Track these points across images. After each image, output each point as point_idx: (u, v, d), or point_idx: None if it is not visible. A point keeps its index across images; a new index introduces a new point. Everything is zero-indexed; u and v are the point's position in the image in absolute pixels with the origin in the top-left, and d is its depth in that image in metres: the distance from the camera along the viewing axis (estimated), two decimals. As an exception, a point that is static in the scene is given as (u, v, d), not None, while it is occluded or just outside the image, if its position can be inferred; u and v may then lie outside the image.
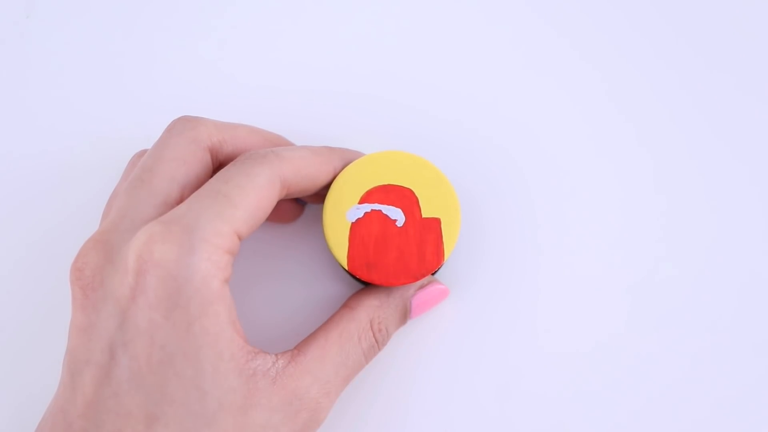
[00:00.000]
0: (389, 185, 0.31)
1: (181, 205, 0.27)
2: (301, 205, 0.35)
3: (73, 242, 0.29)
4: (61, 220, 0.35)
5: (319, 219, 0.32)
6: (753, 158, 0.36)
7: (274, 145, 0.32)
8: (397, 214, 0.31)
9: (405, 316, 0.33)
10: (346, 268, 0.31)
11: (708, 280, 0.35)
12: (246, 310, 0.34)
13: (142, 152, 0.32)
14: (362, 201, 0.31)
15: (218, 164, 0.31)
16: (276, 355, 0.28)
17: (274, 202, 0.29)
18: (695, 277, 0.35)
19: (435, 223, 0.31)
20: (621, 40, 0.38)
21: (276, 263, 0.35)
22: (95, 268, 0.27)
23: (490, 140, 0.37)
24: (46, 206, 0.35)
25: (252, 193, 0.28)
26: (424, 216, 0.31)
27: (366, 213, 0.31)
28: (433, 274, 0.32)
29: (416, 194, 0.31)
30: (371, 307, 0.31)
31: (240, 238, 0.28)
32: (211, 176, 0.29)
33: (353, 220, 0.31)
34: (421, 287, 0.33)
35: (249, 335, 0.33)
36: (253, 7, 0.38)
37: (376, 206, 0.31)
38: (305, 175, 0.30)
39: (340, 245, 0.31)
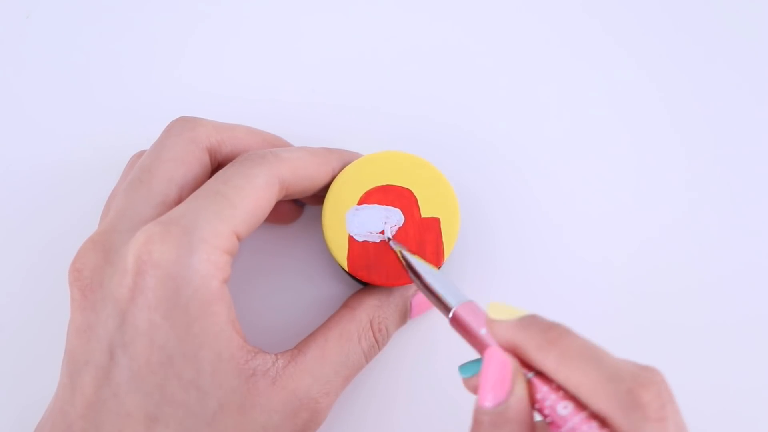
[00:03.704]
0: (388, 185, 0.31)
1: (179, 205, 0.27)
2: (299, 207, 0.35)
3: (72, 243, 0.29)
4: (60, 221, 0.35)
5: (318, 220, 0.32)
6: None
7: (272, 145, 0.32)
8: (396, 215, 0.31)
9: (405, 316, 0.33)
10: (346, 269, 0.31)
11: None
12: (246, 310, 0.34)
13: (141, 153, 0.32)
14: (361, 202, 0.31)
15: (217, 165, 0.31)
16: (276, 354, 0.28)
17: (272, 203, 0.29)
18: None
19: (434, 223, 0.31)
20: (613, 36, 0.38)
21: (276, 264, 0.35)
22: (94, 269, 0.27)
23: (487, 139, 0.36)
24: (46, 207, 0.35)
25: (251, 194, 0.28)
26: (423, 216, 0.31)
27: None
28: (432, 273, 0.32)
29: (415, 194, 0.31)
30: (371, 307, 0.31)
31: (239, 239, 0.28)
32: (210, 177, 0.29)
33: (352, 221, 0.31)
34: None
35: (249, 335, 0.32)
36: (253, 10, 0.38)
37: (375, 207, 0.31)
38: (304, 176, 0.30)
39: (339, 246, 0.31)
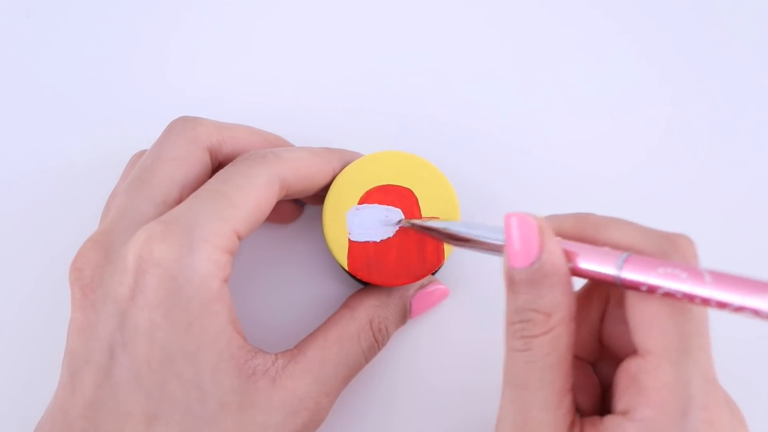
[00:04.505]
0: (388, 185, 0.31)
1: (180, 204, 0.27)
2: (300, 206, 0.35)
3: (72, 242, 0.29)
4: (60, 220, 0.35)
5: (318, 220, 0.32)
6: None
7: (272, 145, 0.32)
8: (396, 214, 0.31)
9: (405, 316, 0.33)
10: (347, 269, 0.31)
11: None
12: (246, 310, 0.34)
13: (142, 152, 0.32)
14: (362, 201, 0.31)
15: (217, 164, 0.31)
16: (276, 354, 0.28)
17: (273, 203, 0.29)
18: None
19: (435, 223, 0.31)
20: (616, 36, 0.38)
21: (276, 263, 0.35)
22: (95, 268, 0.27)
23: (488, 138, 0.36)
24: (46, 206, 0.35)
25: (251, 193, 0.28)
26: (423, 215, 0.31)
27: None
28: (433, 273, 0.32)
29: (415, 194, 0.31)
30: (371, 307, 0.31)
31: (239, 238, 0.28)
32: (210, 176, 0.29)
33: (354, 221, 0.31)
34: (421, 287, 0.33)
35: (249, 335, 0.32)
36: (252, 9, 0.38)
37: (376, 206, 0.31)
38: (304, 176, 0.30)
39: (340, 246, 0.31)
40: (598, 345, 0.28)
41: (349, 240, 0.31)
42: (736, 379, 0.27)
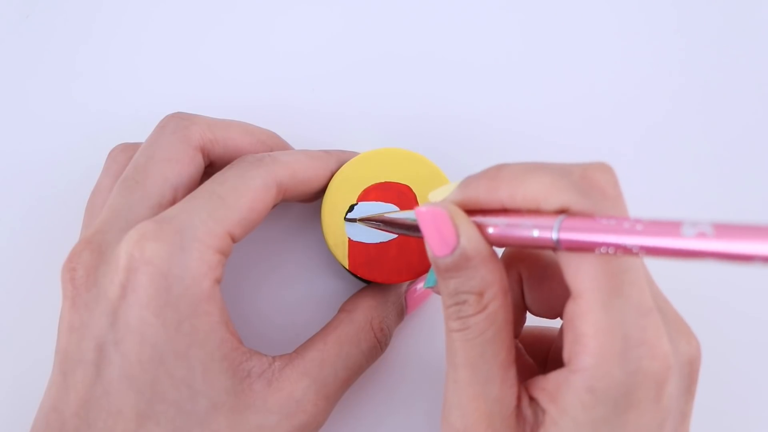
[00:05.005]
0: (386, 182, 0.31)
1: (175, 205, 0.27)
2: None
3: (66, 240, 0.29)
4: (59, 219, 0.35)
5: (318, 218, 0.31)
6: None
7: (265, 143, 0.32)
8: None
9: (402, 313, 0.32)
10: (347, 268, 0.31)
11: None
12: (247, 310, 0.34)
13: (124, 146, 0.32)
14: (360, 199, 0.31)
15: (209, 162, 0.31)
16: (273, 357, 0.28)
17: (269, 206, 0.29)
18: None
19: (434, 220, 0.31)
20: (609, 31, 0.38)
21: (276, 263, 0.35)
22: (88, 268, 0.27)
23: (485, 134, 0.36)
24: (44, 205, 0.35)
25: (246, 195, 0.27)
26: None
27: None
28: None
29: (413, 190, 0.31)
30: (369, 308, 0.31)
31: (233, 240, 0.27)
32: (202, 175, 0.29)
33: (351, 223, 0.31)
34: (412, 283, 0.33)
35: (250, 335, 0.32)
36: (251, 8, 0.38)
37: (374, 204, 0.31)
38: (301, 180, 0.30)
39: (340, 244, 0.31)
40: (522, 312, 0.28)
41: (349, 239, 0.31)
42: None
